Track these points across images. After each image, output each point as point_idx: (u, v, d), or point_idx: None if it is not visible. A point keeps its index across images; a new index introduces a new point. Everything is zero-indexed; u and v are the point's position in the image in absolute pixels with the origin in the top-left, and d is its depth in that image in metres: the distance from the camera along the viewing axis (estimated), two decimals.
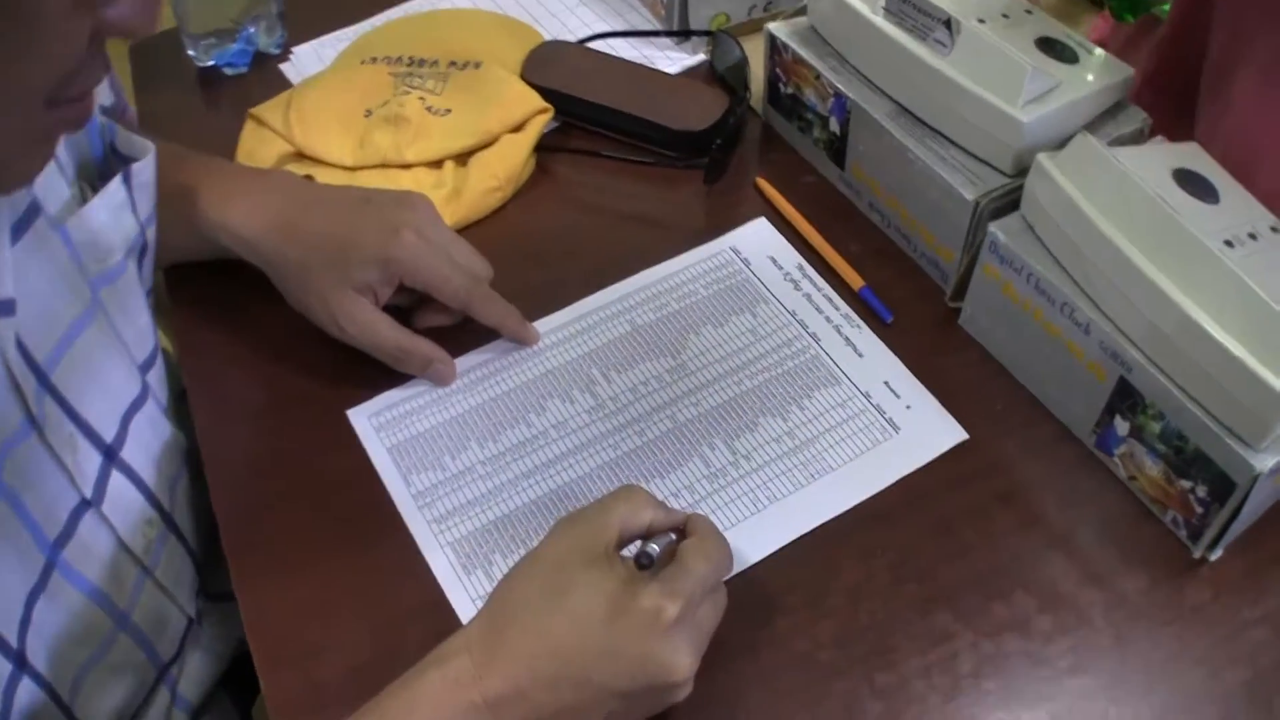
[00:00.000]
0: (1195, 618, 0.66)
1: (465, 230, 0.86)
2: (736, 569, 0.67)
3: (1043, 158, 0.68)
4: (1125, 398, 0.67)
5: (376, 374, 0.77)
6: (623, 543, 0.60)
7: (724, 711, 0.63)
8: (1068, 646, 0.65)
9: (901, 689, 0.64)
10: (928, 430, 0.74)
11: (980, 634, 0.66)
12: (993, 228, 0.71)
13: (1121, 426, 0.69)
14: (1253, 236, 0.64)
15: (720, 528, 0.65)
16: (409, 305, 0.78)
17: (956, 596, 0.67)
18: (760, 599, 0.67)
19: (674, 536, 0.61)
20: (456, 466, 0.73)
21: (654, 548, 0.58)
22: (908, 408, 0.75)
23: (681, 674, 0.56)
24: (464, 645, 0.56)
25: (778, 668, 0.65)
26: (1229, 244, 0.62)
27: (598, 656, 0.55)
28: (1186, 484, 0.66)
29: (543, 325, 0.80)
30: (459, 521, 0.70)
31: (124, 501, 0.68)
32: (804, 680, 0.64)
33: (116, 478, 0.67)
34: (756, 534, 0.69)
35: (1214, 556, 0.68)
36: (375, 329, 0.74)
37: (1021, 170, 0.73)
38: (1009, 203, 0.74)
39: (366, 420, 0.75)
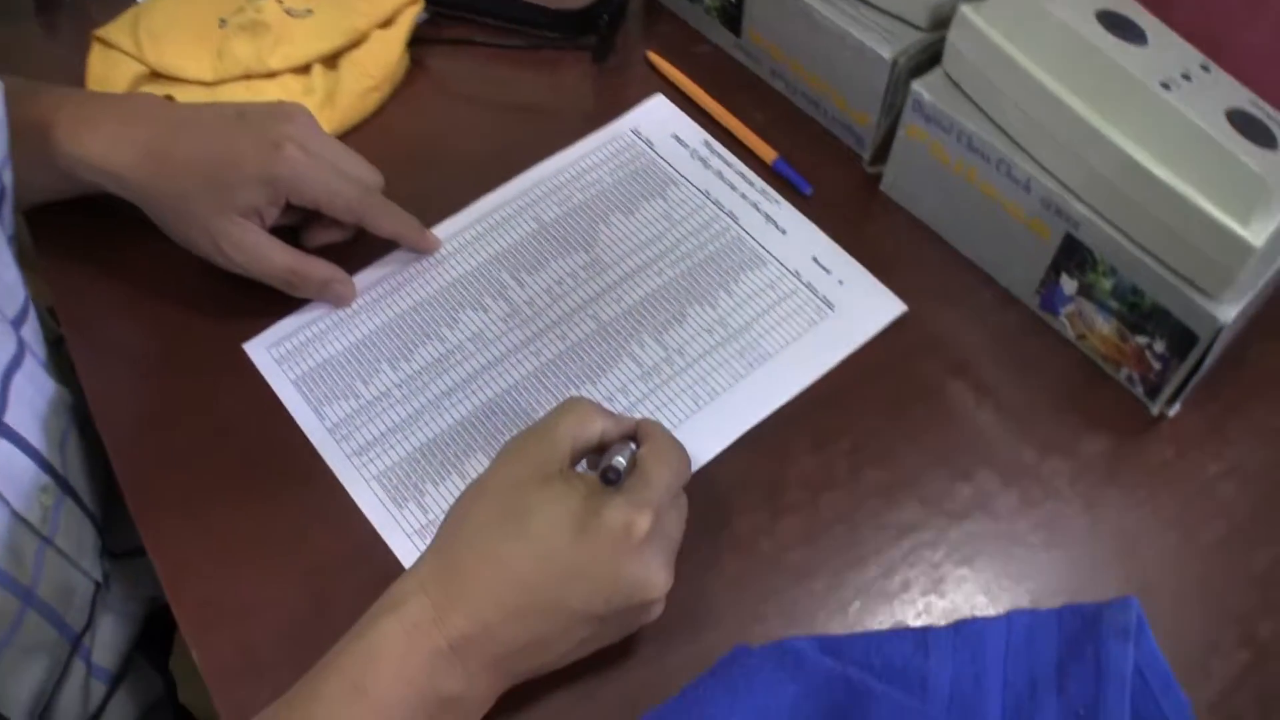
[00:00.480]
0: (1162, 477, 0.65)
1: (344, 137, 0.80)
2: (699, 462, 0.64)
3: (966, 9, 0.64)
4: (1071, 255, 0.65)
5: (271, 302, 0.70)
6: (576, 458, 0.56)
7: (693, 626, 0.60)
8: (1038, 521, 0.63)
9: (876, 584, 0.61)
10: (864, 305, 0.71)
11: (949, 517, 0.63)
12: (916, 86, 0.67)
13: (1068, 285, 0.66)
14: (1186, 77, 0.61)
15: (669, 423, 0.62)
16: (298, 224, 0.72)
17: (919, 480, 0.65)
18: (716, 501, 0.64)
19: (633, 446, 0.57)
20: (370, 392, 0.68)
21: (620, 460, 0.54)
22: (840, 283, 0.72)
23: (658, 589, 0.53)
24: (417, 586, 0.52)
25: (744, 574, 0.62)
26: (1165, 86, 0.59)
27: (567, 580, 0.51)
28: (1142, 340, 0.64)
29: (442, 231, 0.75)
30: (382, 452, 0.66)
31: (14, 471, 0.61)
32: (774, 584, 0.61)
33: (3, 446, 0.60)
34: (702, 432, 0.66)
35: (1172, 412, 0.67)
36: (264, 254, 0.68)
37: (938, 24, 0.69)
38: (927, 59, 0.70)
39: (266, 352, 0.70)
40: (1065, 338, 0.69)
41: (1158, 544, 0.62)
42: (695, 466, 0.64)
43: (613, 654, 0.57)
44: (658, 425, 0.59)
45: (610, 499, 0.53)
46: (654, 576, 0.53)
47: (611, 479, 0.53)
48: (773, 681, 0.57)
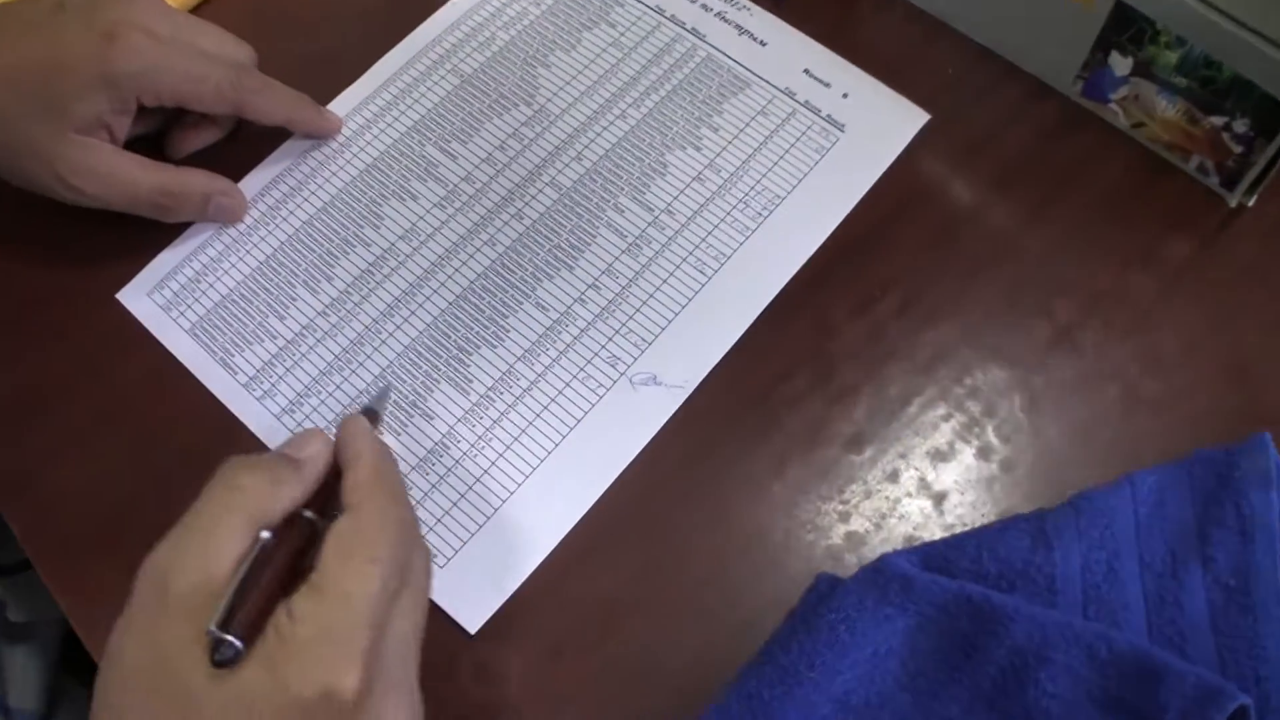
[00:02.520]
0: (1256, 275, 0.53)
1: (197, 10, 0.62)
2: (699, 369, 0.51)
3: None
4: (1124, 27, 0.51)
5: (142, 236, 0.55)
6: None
7: (758, 563, 0.48)
8: (1134, 350, 0.51)
9: (958, 462, 0.49)
10: (879, 120, 0.57)
11: (1030, 367, 0.51)
12: None
13: (1120, 65, 0.53)
14: None
15: (664, 314, 0.48)
16: (158, 132, 0.56)
17: (988, 327, 0.52)
18: (755, 398, 0.51)
19: (309, 517, 0.39)
20: (289, 330, 0.53)
21: (233, 642, 0.35)
22: (844, 97, 0.58)
23: None
24: None
25: (808, 481, 0.49)
26: None
27: None
28: (1218, 121, 0.51)
29: (340, 106, 0.59)
30: (319, 404, 0.51)
31: None
32: (844, 487, 0.49)
33: None
34: (717, 310, 0.52)
35: (1251, 203, 0.54)
36: (121, 176, 0.52)
37: None
38: None
39: (146, 300, 0.54)
40: (1117, 128, 0.57)
41: (1272, 358, 0.51)
42: (712, 357, 0.51)
43: (661, 619, 0.46)
44: (363, 452, 0.40)
45: (295, 659, 0.35)
46: None
47: (226, 659, 0.35)
48: (878, 619, 0.45)
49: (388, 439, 0.50)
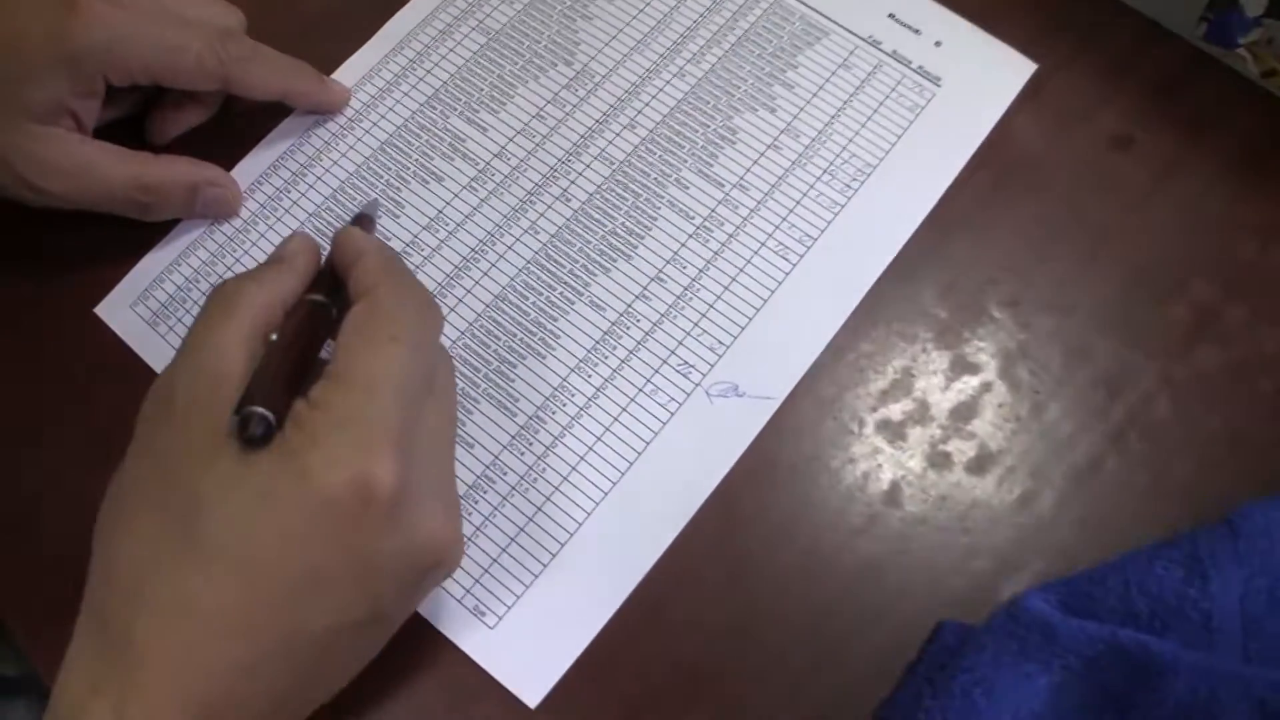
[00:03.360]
0: None
1: None
2: (788, 377, 0.43)
3: None
4: None
5: (119, 241, 0.46)
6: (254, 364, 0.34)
7: (865, 607, 0.40)
8: None
9: (1098, 478, 0.41)
10: (979, 71, 0.48)
11: (1170, 357, 0.43)
12: None
13: (1253, 4, 0.45)
14: None
15: (744, 311, 0.42)
16: (135, 115, 0.48)
17: (1116, 312, 0.44)
18: (852, 404, 0.42)
19: (321, 301, 0.36)
20: None
21: (261, 413, 0.32)
22: (937, 45, 0.49)
23: (442, 546, 0.34)
24: (88, 689, 0.31)
25: (922, 507, 0.41)
26: None
27: (296, 598, 0.32)
28: None
29: (347, 75, 0.51)
30: None
31: None
32: (964, 513, 0.41)
33: None
34: (805, 304, 0.44)
35: None
36: (93, 169, 0.43)
37: None
38: None
39: (130, 313, 0.46)
40: (1245, 77, 0.48)
41: None
42: (803, 361, 0.43)
43: (752, 684, 0.38)
44: (373, 252, 0.36)
45: (319, 446, 0.31)
46: (427, 535, 0.33)
47: (256, 437, 0.31)
48: (1017, 678, 0.38)
49: None
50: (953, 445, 0.42)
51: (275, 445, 0.32)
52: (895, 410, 0.42)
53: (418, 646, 0.39)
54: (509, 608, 0.40)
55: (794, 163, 0.47)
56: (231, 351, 0.33)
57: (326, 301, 0.36)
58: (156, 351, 0.45)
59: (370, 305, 0.34)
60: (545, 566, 0.40)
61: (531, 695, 0.39)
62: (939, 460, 0.42)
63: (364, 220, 0.42)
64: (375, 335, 0.33)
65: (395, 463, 0.31)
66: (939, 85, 0.48)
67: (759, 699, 0.39)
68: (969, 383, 0.43)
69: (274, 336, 0.34)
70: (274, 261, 0.37)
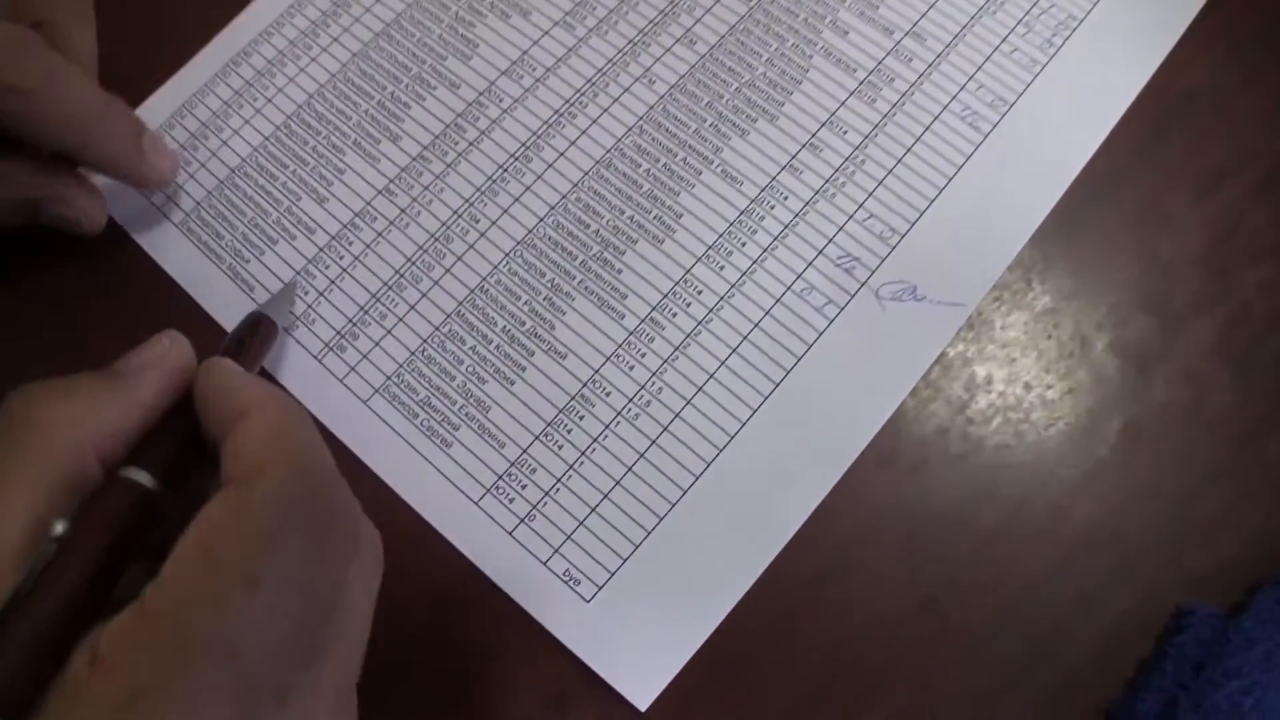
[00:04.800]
0: None
1: None
2: (982, 279, 0.33)
3: None
4: None
5: None
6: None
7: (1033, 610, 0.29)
8: None
9: None
10: None
11: None
12: None
13: None
14: None
15: (922, 192, 0.33)
16: None
17: None
18: (1066, 322, 0.32)
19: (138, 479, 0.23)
20: (335, 219, 0.34)
21: None
22: None
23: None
24: None
25: (1156, 468, 0.31)
26: None
27: None
28: None
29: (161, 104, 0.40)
30: (388, 340, 0.33)
31: None
32: (1209, 475, 0.30)
33: None
34: (998, 185, 0.34)
35: None
36: None
37: None
38: None
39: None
40: None
41: None
42: (999, 259, 0.33)
43: (905, 674, 0.29)
44: (255, 407, 0.24)
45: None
46: None
47: None
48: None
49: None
50: (1210, 379, 0.31)
51: None
52: (1131, 330, 0.32)
53: (498, 626, 0.29)
54: (611, 574, 0.30)
55: (981, 8, 0.36)
56: (8, 515, 0.22)
57: (155, 490, 0.23)
58: None
59: (235, 510, 0.22)
60: (660, 520, 0.30)
61: (641, 696, 0.29)
62: (1189, 399, 0.31)
63: (261, 331, 0.30)
64: (227, 569, 0.21)
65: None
66: None
67: (948, 704, 0.29)
68: (1209, 299, 0.32)
69: (59, 529, 0.22)
70: (108, 375, 0.25)
